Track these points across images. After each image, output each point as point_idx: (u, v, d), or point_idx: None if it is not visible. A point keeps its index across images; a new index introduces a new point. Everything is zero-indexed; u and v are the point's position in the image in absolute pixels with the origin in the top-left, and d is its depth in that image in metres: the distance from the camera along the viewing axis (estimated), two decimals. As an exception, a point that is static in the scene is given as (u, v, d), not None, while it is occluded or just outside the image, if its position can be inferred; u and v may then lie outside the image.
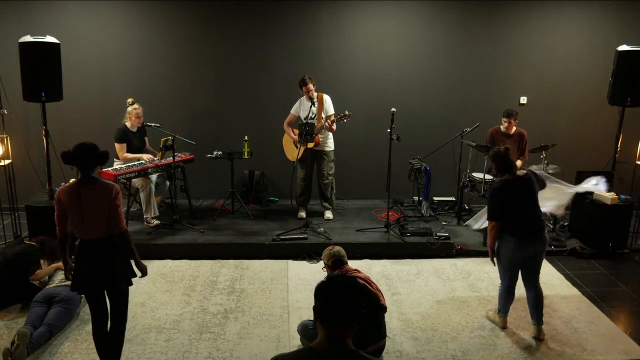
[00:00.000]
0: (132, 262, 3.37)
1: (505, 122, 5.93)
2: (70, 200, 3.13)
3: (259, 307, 4.38)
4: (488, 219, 3.95)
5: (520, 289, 4.07)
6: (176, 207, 5.85)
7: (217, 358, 3.68)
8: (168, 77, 6.45)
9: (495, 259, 4.01)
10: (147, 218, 5.63)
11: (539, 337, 3.94)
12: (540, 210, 3.94)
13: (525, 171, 3.97)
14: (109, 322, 3.37)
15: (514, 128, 5.98)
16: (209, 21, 6.33)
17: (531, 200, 3.87)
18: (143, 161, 5.52)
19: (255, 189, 6.61)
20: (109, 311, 3.36)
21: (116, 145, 5.56)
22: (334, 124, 5.62)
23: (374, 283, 3.68)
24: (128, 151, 5.62)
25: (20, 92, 5.10)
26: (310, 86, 5.58)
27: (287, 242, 5.40)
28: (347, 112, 5.47)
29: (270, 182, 6.78)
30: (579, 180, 5.78)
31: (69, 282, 4.23)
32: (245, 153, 6.09)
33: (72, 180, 3.42)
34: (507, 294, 4.05)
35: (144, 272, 3.42)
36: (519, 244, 3.83)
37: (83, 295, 4.26)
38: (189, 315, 4.22)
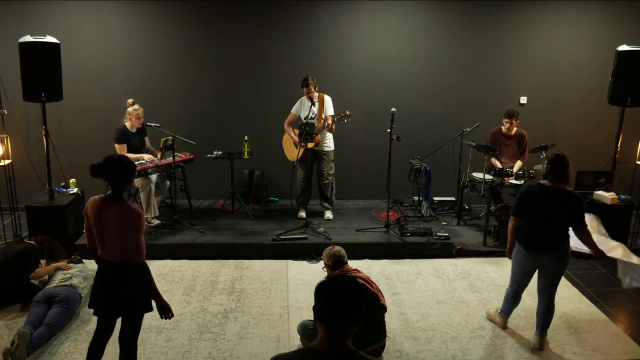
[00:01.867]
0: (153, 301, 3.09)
1: (506, 122, 5.93)
2: (94, 215, 2.98)
3: (259, 307, 4.38)
4: (510, 213, 3.88)
5: (524, 292, 4.02)
6: (176, 207, 5.85)
7: (217, 358, 3.68)
8: (168, 77, 6.45)
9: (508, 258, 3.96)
10: (147, 218, 5.63)
11: (540, 347, 3.84)
12: (562, 227, 3.64)
13: (570, 188, 3.67)
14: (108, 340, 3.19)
15: (515, 129, 5.99)
16: (209, 21, 6.34)
17: (553, 214, 3.61)
18: (143, 161, 5.52)
19: (255, 189, 6.61)
20: (117, 332, 3.15)
21: (116, 146, 5.56)
22: (334, 125, 5.62)
23: (374, 283, 3.68)
24: (128, 151, 5.62)
25: (20, 92, 5.09)
26: (311, 88, 5.59)
27: (287, 242, 5.40)
28: (347, 112, 5.47)
29: (270, 182, 6.78)
30: (579, 180, 5.79)
31: (69, 282, 4.25)
32: (245, 153, 6.09)
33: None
34: (512, 298, 4.01)
35: (164, 313, 3.06)
36: (527, 254, 3.75)
37: (82, 295, 4.27)
38: (189, 315, 4.22)
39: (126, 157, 3.09)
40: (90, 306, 3.13)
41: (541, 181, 3.76)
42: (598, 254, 3.77)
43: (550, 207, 3.62)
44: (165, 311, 3.06)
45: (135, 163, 5.51)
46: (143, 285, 3.04)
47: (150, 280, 3.02)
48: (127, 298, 3.03)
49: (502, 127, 6.05)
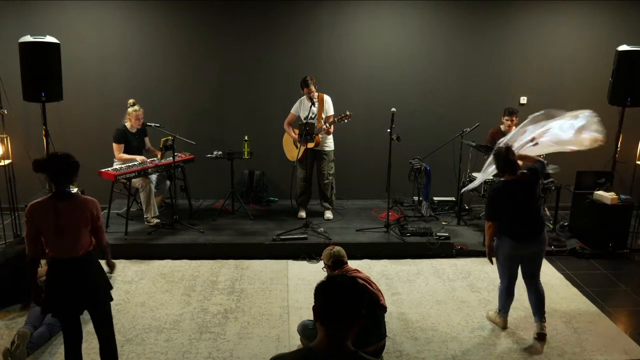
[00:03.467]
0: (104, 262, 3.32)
1: (507, 120, 5.94)
2: (46, 216, 2.89)
3: (259, 307, 4.38)
4: (485, 218, 3.95)
5: (520, 290, 4.08)
6: (176, 207, 5.85)
7: (217, 358, 3.68)
8: (168, 77, 6.45)
9: (493, 258, 4.01)
10: (147, 218, 5.63)
11: (542, 331, 3.91)
12: (539, 210, 3.90)
13: (526, 171, 3.89)
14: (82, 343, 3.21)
15: (514, 127, 5.98)
16: (210, 21, 6.33)
17: (530, 201, 3.82)
18: (136, 162, 5.52)
19: (255, 189, 6.61)
20: (88, 331, 3.22)
21: (114, 145, 5.57)
22: (332, 127, 5.62)
23: (374, 283, 3.68)
24: (127, 152, 5.63)
25: (20, 92, 5.09)
26: (312, 87, 5.59)
27: (287, 242, 5.40)
28: (348, 112, 5.47)
29: (270, 182, 6.78)
30: (579, 181, 5.79)
31: None
32: (245, 153, 6.09)
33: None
34: (506, 293, 4.06)
35: (112, 268, 3.42)
36: (517, 244, 3.83)
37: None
38: (189, 315, 4.22)
39: (71, 155, 3.01)
40: (51, 310, 3.08)
41: (501, 179, 3.87)
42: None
43: (525, 196, 3.79)
44: (112, 268, 3.42)
45: (135, 163, 5.54)
46: (102, 273, 3.19)
47: (109, 254, 3.31)
48: (94, 290, 3.07)
49: (502, 126, 6.06)
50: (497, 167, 3.89)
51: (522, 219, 3.80)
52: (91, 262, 3.08)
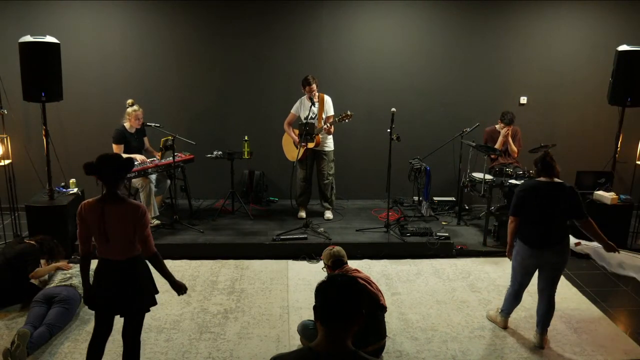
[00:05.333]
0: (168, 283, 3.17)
1: (503, 127, 5.94)
2: (93, 218, 2.91)
3: (259, 307, 4.38)
4: (509, 214, 3.88)
5: (525, 294, 4.04)
6: (176, 207, 5.85)
7: (217, 358, 3.68)
8: (168, 77, 6.45)
9: (509, 259, 3.97)
10: (147, 218, 5.63)
11: (541, 345, 3.86)
12: (565, 222, 3.74)
13: (562, 181, 3.77)
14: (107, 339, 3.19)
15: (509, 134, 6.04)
16: (210, 21, 6.33)
17: (556, 209, 3.67)
18: (137, 162, 5.52)
19: (255, 189, 6.61)
20: (115, 332, 3.18)
21: (113, 146, 5.57)
22: (332, 127, 5.61)
23: (374, 283, 3.69)
24: (127, 152, 5.62)
25: (20, 92, 5.09)
26: (314, 86, 5.58)
27: (287, 242, 5.40)
28: (349, 112, 5.46)
29: (270, 182, 6.78)
30: (579, 181, 5.79)
31: (69, 282, 4.25)
32: (245, 153, 6.09)
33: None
34: (513, 297, 4.01)
35: (180, 291, 3.17)
36: (531, 252, 3.75)
37: (82, 295, 4.26)
38: (189, 315, 4.22)
39: (121, 155, 3.03)
40: (92, 306, 3.10)
41: (536, 179, 3.81)
42: (607, 246, 3.81)
43: (549, 201, 3.69)
44: (180, 289, 3.17)
45: (135, 163, 5.53)
46: (148, 281, 3.10)
47: (164, 267, 3.07)
48: (135, 296, 3.03)
49: (497, 126, 6.08)
50: (536, 170, 3.83)
51: (542, 225, 3.69)
52: (136, 268, 3.02)
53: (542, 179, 3.76)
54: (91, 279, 3.11)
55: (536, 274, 3.89)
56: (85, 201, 2.96)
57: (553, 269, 3.79)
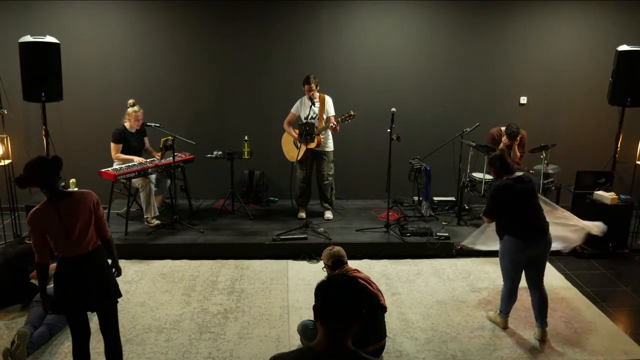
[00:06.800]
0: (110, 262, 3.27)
1: (506, 140, 5.80)
2: (51, 220, 2.87)
3: (259, 307, 4.38)
4: (483, 214, 3.95)
5: (521, 290, 4.06)
6: (176, 207, 5.85)
7: (217, 358, 3.68)
8: (168, 77, 6.45)
9: (497, 259, 4.01)
10: (147, 218, 5.63)
11: (542, 339, 3.91)
12: (542, 212, 3.90)
13: (523, 172, 3.93)
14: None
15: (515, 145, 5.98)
16: (210, 21, 6.33)
17: (533, 201, 3.84)
18: (134, 163, 5.52)
19: (255, 189, 6.61)
20: (93, 330, 3.21)
21: (112, 145, 5.57)
22: (338, 125, 5.59)
23: (374, 283, 3.68)
24: (127, 152, 5.63)
25: (20, 92, 5.09)
26: (314, 86, 5.58)
27: (287, 242, 5.40)
28: (352, 113, 5.45)
29: (270, 182, 6.78)
30: (579, 181, 5.79)
31: None
32: (245, 153, 6.09)
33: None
34: (509, 296, 4.03)
35: (119, 273, 3.31)
36: (522, 245, 3.81)
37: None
38: (189, 315, 4.22)
39: (43, 157, 2.97)
40: (63, 310, 3.05)
41: (504, 179, 3.89)
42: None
43: (525, 193, 3.81)
44: (120, 271, 3.33)
45: (135, 163, 5.54)
46: (110, 270, 3.19)
47: (115, 250, 3.23)
48: (109, 284, 3.09)
49: (502, 127, 6.05)
50: (494, 172, 3.94)
51: (527, 219, 3.80)
52: (100, 257, 3.09)
53: (506, 177, 3.87)
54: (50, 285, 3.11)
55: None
56: (33, 209, 2.90)
57: (541, 259, 3.91)
